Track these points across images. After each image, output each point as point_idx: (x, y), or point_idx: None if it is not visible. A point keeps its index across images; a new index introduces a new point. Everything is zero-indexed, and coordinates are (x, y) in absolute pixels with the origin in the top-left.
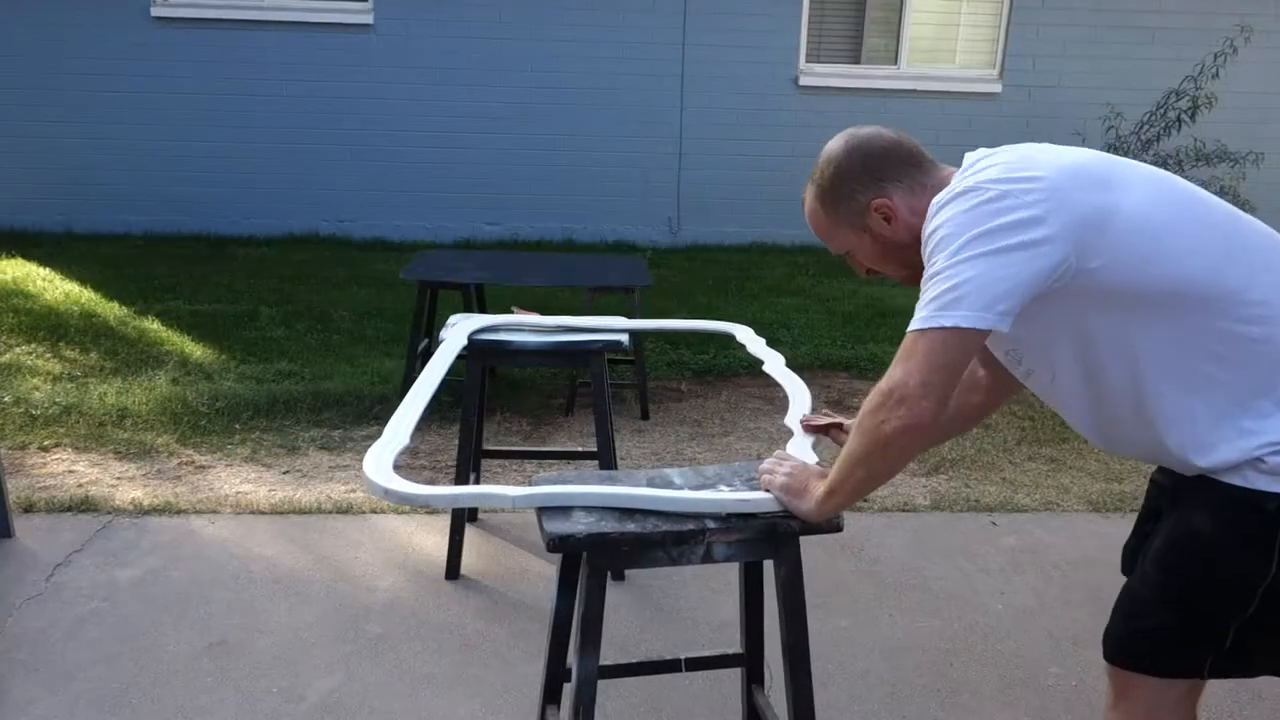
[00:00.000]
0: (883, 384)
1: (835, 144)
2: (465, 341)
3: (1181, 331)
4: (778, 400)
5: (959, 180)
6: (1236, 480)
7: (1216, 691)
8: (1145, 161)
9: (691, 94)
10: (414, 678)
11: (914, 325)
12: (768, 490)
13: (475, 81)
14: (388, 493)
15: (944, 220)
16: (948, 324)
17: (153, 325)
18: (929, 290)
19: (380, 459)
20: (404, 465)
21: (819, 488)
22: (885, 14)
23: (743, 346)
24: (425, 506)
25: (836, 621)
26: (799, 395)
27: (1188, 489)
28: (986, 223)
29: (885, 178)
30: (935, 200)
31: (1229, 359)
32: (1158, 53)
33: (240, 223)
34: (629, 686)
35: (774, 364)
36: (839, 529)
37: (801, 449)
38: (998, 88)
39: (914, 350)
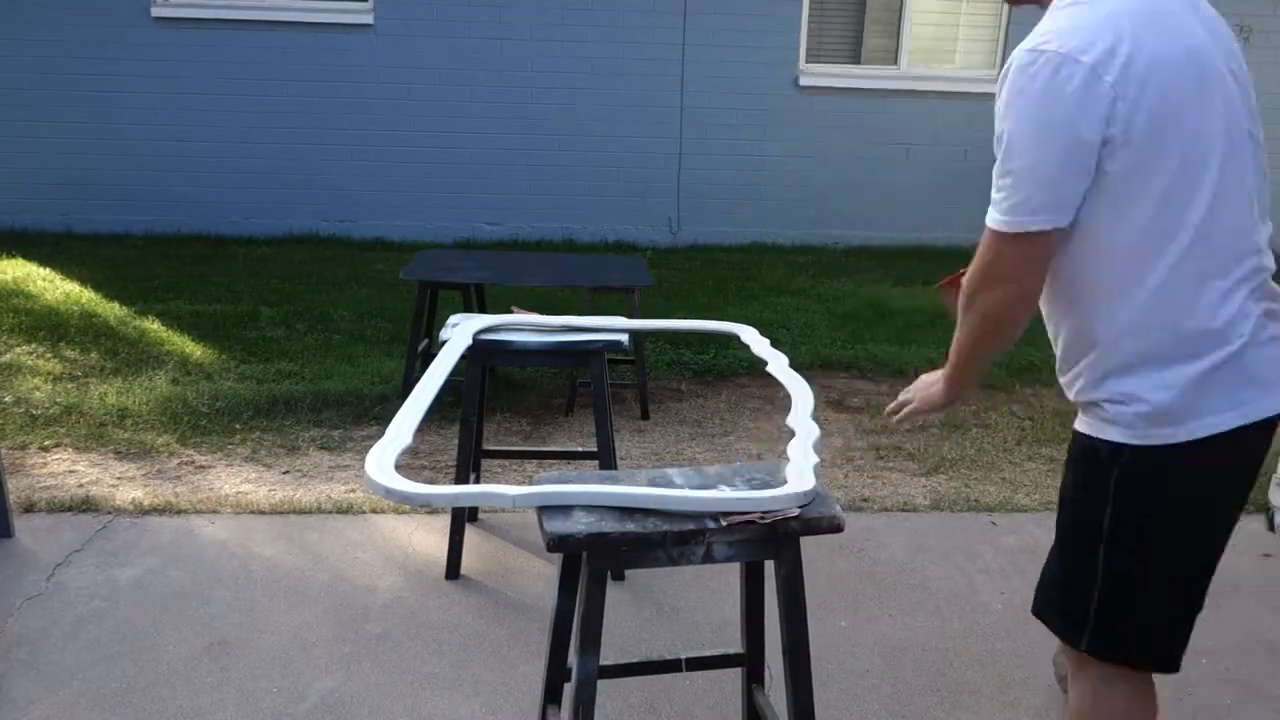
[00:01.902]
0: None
1: None
2: (470, 342)
3: (1082, 268)
4: (778, 400)
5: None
6: (1083, 426)
7: (1215, 691)
8: None
9: (691, 94)
10: (414, 678)
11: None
12: (914, 412)
13: (475, 81)
14: (389, 492)
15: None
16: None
17: (153, 325)
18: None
19: (382, 458)
20: (404, 465)
21: (942, 376)
22: (885, 14)
23: (743, 346)
24: (426, 506)
25: (836, 621)
26: (801, 396)
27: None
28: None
29: None
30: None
31: (1113, 311)
32: None
33: (240, 223)
34: (629, 686)
35: (777, 365)
36: (839, 529)
37: (802, 449)
38: None
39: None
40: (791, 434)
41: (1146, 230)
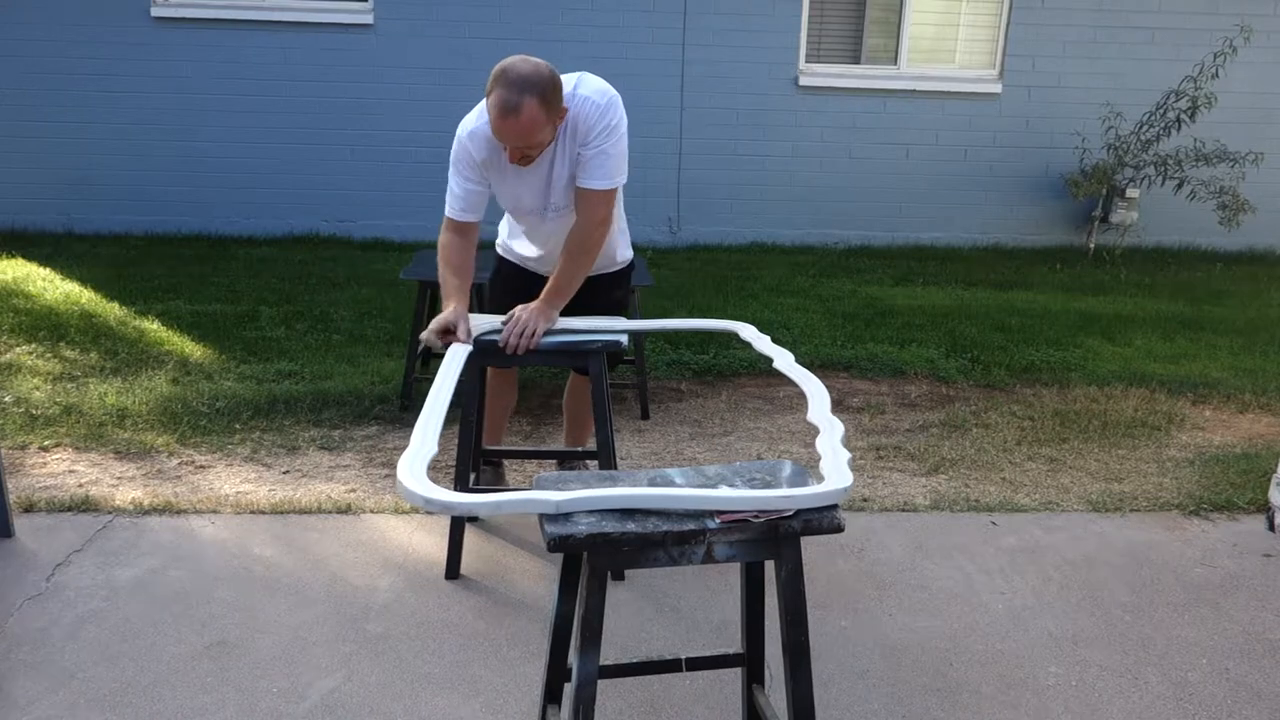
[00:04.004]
0: (595, 218)
1: (534, 64)
2: (471, 346)
3: None
4: (778, 400)
5: (591, 97)
6: None
7: (1215, 691)
8: (1145, 161)
9: (691, 94)
10: (414, 678)
11: (608, 184)
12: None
13: (475, 81)
14: (428, 502)
15: (615, 119)
16: (623, 181)
17: (153, 325)
18: (610, 160)
19: (414, 468)
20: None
21: (546, 304)
22: (885, 14)
23: (744, 345)
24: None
25: (836, 621)
26: (817, 392)
27: None
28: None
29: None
30: (589, 108)
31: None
32: (1158, 53)
33: (240, 223)
34: (629, 686)
35: (783, 361)
36: (839, 529)
37: (831, 445)
38: (997, 88)
39: (608, 199)
40: (796, 432)
41: None
